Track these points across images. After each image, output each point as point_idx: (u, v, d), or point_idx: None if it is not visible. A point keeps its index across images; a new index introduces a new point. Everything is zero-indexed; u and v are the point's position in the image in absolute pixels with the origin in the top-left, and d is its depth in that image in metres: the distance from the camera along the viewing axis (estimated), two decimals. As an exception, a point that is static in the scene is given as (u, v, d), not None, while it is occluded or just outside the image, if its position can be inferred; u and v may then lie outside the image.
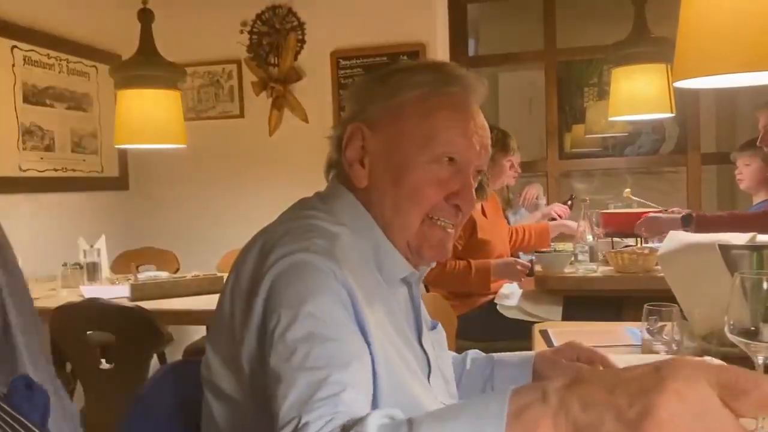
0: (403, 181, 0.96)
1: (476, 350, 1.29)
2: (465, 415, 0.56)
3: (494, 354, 1.27)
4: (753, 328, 0.94)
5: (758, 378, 0.48)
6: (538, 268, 2.77)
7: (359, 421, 0.63)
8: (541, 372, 1.17)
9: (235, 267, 0.93)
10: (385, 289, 0.96)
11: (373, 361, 0.83)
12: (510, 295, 2.80)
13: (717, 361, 1.24)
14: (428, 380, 1.00)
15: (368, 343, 0.83)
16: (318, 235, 0.89)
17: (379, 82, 1.01)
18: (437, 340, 1.11)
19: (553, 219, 3.42)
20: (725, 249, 1.32)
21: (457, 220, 1.00)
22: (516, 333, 2.46)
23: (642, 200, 3.23)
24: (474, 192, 0.99)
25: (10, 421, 0.60)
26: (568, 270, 2.74)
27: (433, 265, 1.08)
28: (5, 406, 0.56)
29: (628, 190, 3.31)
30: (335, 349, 0.77)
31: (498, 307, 2.76)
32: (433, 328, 1.12)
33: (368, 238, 0.97)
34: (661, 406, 0.47)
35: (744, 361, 1.12)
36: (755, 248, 1.29)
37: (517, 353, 1.25)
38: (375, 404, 0.81)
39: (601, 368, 1.14)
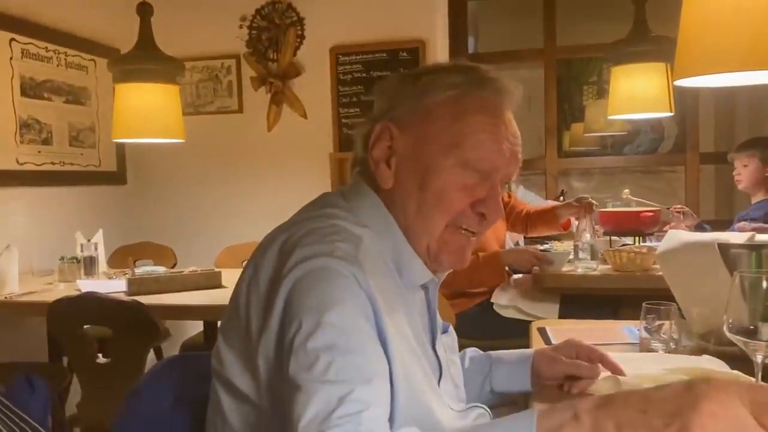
0: (429, 185, 0.93)
1: (474, 348, 1.28)
2: None
3: (492, 352, 1.26)
4: (752, 327, 0.94)
5: None
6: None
7: None
8: (539, 369, 1.17)
9: (252, 262, 0.91)
10: (404, 293, 0.95)
11: (391, 374, 0.81)
12: (506, 294, 2.80)
13: (725, 370, 1.24)
14: (438, 384, 0.99)
15: (387, 354, 0.81)
16: (342, 239, 0.86)
17: (411, 82, 0.98)
18: (448, 344, 1.10)
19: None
20: (724, 248, 1.32)
21: (481, 228, 0.98)
22: (513, 331, 2.45)
23: (641, 200, 3.23)
24: (501, 200, 0.97)
25: (12, 416, 0.60)
26: (566, 268, 2.74)
27: (450, 270, 1.06)
28: (7, 402, 0.56)
29: (627, 190, 3.31)
30: (358, 363, 0.75)
31: (494, 306, 2.76)
32: (445, 331, 1.11)
33: (389, 241, 0.95)
34: (697, 427, 0.47)
35: (742, 360, 1.12)
36: (754, 247, 1.29)
37: (516, 351, 1.25)
38: (391, 414, 0.79)
39: (600, 366, 1.14)
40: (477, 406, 1.08)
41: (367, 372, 0.74)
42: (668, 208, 3.22)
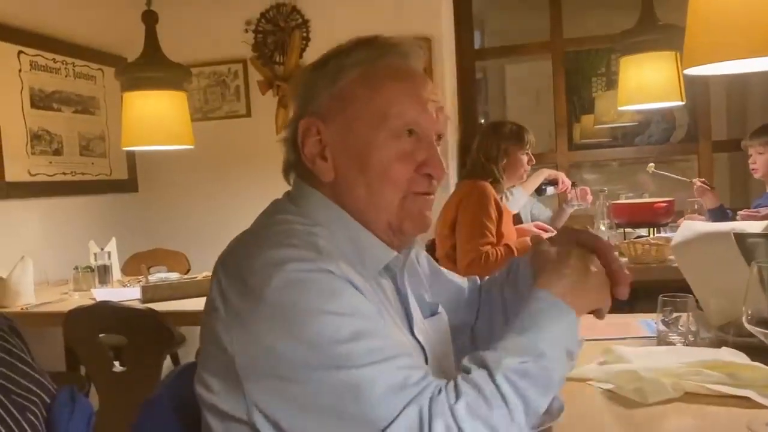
0: (369, 165, 0.93)
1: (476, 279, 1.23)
2: (536, 322, 0.83)
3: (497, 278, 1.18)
4: (772, 318, 0.92)
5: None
6: None
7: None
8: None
9: (216, 284, 0.89)
10: (372, 283, 0.94)
11: None
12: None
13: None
14: None
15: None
16: (301, 242, 0.87)
17: (317, 72, 0.98)
18: (437, 326, 1.07)
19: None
20: (741, 238, 1.30)
21: (432, 188, 0.97)
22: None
23: (666, 173, 3.21)
24: (440, 156, 0.96)
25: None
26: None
27: (419, 241, 1.05)
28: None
29: (651, 164, 3.27)
30: (384, 338, 0.81)
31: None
32: (433, 314, 1.08)
33: (345, 233, 0.94)
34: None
35: (763, 351, 1.10)
36: (771, 236, 1.27)
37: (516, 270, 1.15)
38: None
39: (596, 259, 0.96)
40: None
41: (395, 341, 0.82)
42: (691, 181, 3.19)
